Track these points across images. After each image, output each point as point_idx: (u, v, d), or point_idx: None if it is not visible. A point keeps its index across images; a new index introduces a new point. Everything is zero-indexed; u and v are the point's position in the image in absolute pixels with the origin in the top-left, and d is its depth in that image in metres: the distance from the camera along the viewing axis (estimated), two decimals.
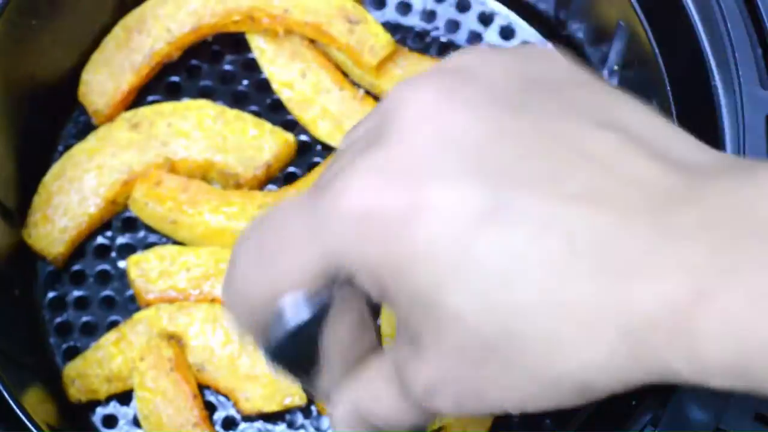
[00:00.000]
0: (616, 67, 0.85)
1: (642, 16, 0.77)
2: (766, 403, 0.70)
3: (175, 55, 0.88)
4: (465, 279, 0.49)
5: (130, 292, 0.85)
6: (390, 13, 0.91)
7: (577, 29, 0.87)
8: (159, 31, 0.87)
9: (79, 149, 0.86)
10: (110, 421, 0.84)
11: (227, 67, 0.90)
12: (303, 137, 0.88)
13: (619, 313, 0.46)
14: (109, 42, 0.88)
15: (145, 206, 0.85)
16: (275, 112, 0.89)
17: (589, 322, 0.46)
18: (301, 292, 0.54)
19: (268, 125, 0.86)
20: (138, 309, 0.85)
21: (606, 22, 0.84)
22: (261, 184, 0.87)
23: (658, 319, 0.45)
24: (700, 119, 0.76)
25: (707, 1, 0.75)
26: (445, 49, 0.90)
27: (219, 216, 0.84)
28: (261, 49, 0.88)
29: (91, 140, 0.86)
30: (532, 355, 0.48)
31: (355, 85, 0.89)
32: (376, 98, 0.88)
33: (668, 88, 0.75)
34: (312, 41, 0.88)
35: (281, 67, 0.88)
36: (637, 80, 0.84)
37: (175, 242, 0.86)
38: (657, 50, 0.76)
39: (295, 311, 0.55)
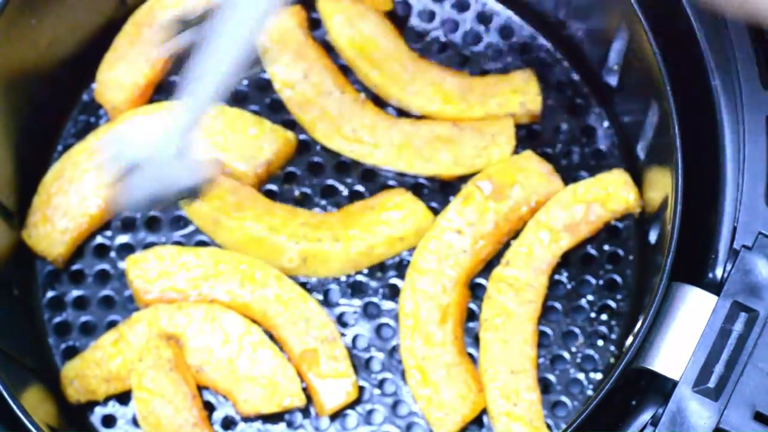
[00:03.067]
0: (616, 67, 0.85)
1: (642, 17, 0.77)
2: (766, 403, 0.70)
3: None
4: None
5: (129, 292, 0.85)
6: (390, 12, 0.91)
7: (577, 29, 0.87)
8: (169, 22, 0.87)
9: (79, 149, 0.86)
10: (109, 421, 0.83)
11: None
12: (302, 136, 0.88)
13: None
14: (121, 40, 0.88)
15: None
16: (274, 111, 0.89)
17: None
18: None
19: (268, 123, 0.86)
20: (137, 309, 0.84)
21: (606, 22, 0.84)
22: (261, 182, 0.86)
23: None
24: (700, 119, 0.76)
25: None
26: (444, 48, 0.90)
27: (261, 225, 0.84)
28: (264, 47, 0.88)
29: (90, 140, 0.86)
30: None
31: (358, 88, 0.88)
32: (378, 102, 0.88)
33: (668, 88, 0.75)
34: (315, 41, 0.88)
35: (284, 66, 0.88)
36: (637, 80, 0.84)
37: (197, 243, 0.86)
38: (657, 50, 0.76)
39: None
